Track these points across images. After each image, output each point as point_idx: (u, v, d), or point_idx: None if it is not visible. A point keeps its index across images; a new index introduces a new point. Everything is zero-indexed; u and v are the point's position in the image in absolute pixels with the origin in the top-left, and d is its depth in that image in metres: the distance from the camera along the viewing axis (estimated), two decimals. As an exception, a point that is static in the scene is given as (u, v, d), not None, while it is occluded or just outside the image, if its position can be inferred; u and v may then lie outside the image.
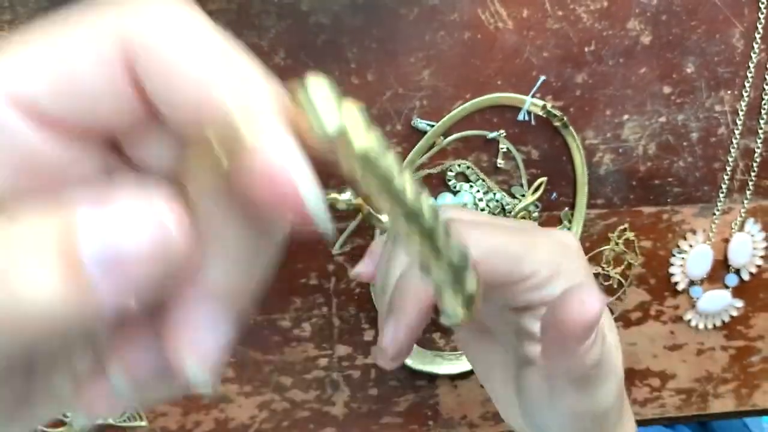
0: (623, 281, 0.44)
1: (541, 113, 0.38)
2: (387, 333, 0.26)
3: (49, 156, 0.14)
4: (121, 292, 0.12)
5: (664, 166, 0.41)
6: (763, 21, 0.38)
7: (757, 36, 0.39)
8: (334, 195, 0.36)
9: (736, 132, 0.41)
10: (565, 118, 0.39)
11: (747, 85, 0.40)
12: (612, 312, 0.44)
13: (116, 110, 0.14)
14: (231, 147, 0.14)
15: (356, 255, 0.41)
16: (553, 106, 0.38)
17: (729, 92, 0.40)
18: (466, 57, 0.37)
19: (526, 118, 0.39)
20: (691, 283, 0.44)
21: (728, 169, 0.42)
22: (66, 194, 0.13)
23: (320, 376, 0.44)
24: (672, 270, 0.44)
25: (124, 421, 0.43)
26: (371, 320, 0.43)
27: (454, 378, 0.45)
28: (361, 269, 0.32)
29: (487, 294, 0.26)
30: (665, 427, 0.64)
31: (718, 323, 0.46)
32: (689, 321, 0.45)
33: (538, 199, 0.41)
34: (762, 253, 0.44)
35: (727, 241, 0.44)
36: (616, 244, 0.43)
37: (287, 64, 0.37)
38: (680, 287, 0.44)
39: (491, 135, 0.39)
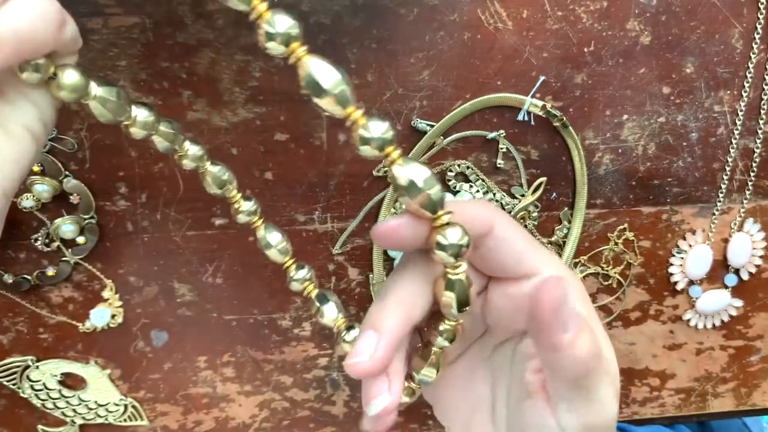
0: (622, 281, 0.44)
1: (540, 113, 0.38)
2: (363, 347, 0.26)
3: None
4: None
5: (663, 166, 0.41)
6: (762, 21, 0.38)
7: (757, 36, 0.39)
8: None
9: (736, 132, 0.41)
10: (564, 119, 0.39)
11: (746, 85, 0.40)
12: (611, 312, 0.45)
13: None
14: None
15: (356, 255, 0.41)
16: (552, 107, 0.38)
17: (728, 92, 0.40)
18: (466, 57, 0.37)
19: (526, 118, 0.39)
20: (691, 282, 0.44)
21: (727, 169, 0.42)
22: None
23: (320, 376, 0.44)
24: (671, 270, 0.44)
25: (125, 420, 0.43)
26: (371, 320, 0.43)
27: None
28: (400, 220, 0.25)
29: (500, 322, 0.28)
30: (665, 427, 0.64)
31: (718, 323, 0.46)
32: (688, 321, 0.45)
33: (538, 199, 0.41)
34: (761, 252, 0.44)
35: (726, 241, 0.44)
36: (616, 244, 0.43)
37: (287, 64, 0.37)
38: (679, 287, 0.44)
39: (491, 135, 0.39)
